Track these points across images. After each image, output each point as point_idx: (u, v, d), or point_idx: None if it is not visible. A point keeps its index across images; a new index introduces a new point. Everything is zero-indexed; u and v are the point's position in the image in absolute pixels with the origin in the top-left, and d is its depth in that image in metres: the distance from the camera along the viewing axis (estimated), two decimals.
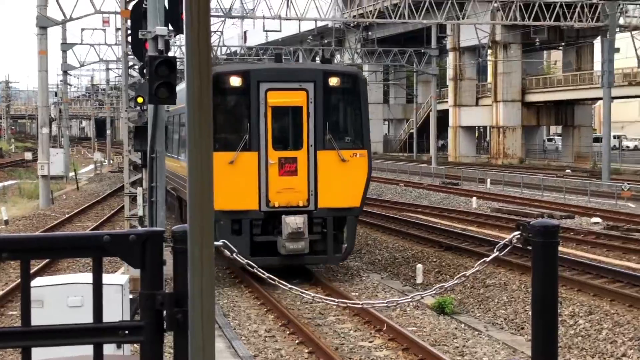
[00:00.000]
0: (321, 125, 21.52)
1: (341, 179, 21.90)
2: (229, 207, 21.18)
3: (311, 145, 21.50)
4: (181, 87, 28.26)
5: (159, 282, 3.37)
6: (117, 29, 46.54)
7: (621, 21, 57.30)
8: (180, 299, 3.26)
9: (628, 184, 46.72)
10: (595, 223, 35.65)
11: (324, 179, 21.80)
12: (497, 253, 4.90)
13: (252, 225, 21.84)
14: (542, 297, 3.75)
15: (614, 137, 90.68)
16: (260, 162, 21.44)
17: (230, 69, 24.65)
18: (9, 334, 3.68)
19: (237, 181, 21.22)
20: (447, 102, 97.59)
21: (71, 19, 44.96)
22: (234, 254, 3.98)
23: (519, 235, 4.09)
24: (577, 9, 56.14)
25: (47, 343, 3.48)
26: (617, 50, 62.08)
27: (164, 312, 3.34)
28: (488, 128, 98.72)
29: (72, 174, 61.80)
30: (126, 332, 3.42)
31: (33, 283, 11.33)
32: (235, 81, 21.33)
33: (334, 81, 22.07)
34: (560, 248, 19.31)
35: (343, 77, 22.48)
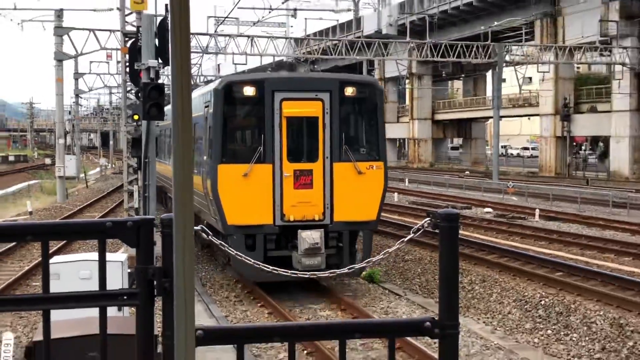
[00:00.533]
0: (337, 137, 16.68)
1: (357, 192, 16.90)
2: (242, 222, 16.58)
3: (327, 157, 16.66)
4: (168, 107, 27.22)
5: (151, 258, 3.35)
6: (118, 62, 45.88)
7: (507, 58, 57.81)
8: (167, 271, 3.24)
9: (512, 182, 47.29)
10: (487, 212, 36.00)
11: (340, 192, 16.83)
12: (412, 235, 4.88)
13: (266, 240, 16.83)
14: (446, 268, 3.76)
15: (502, 146, 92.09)
16: (274, 175, 16.38)
17: (243, 78, 19.43)
18: (33, 300, 3.66)
19: (250, 194, 16.42)
20: None
21: (82, 54, 44.46)
22: (209, 236, 3.96)
23: (429, 221, 4.10)
24: (474, 49, 56.54)
25: (62, 306, 3.45)
26: (504, 80, 62.80)
27: (155, 282, 3.32)
28: (406, 140, 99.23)
29: (82, 175, 61.30)
30: (125, 297, 3.39)
31: (51, 260, 11.21)
32: (248, 91, 16.61)
33: (350, 91, 17.27)
34: (460, 231, 19.60)
35: (360, 87, 17.51)
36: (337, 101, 16.60)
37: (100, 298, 3.36)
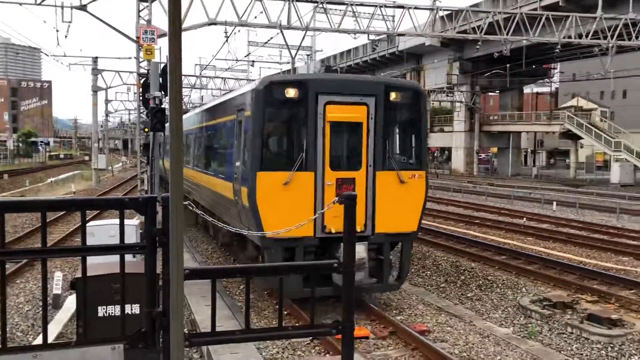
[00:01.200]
0: (381, 144, 10.95)
1: (399, 202, 11.22)
2: (281, 234, 10.10)
3: (370, 166, 10.89)
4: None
5: (154, 222, 3.31)
6: (135, 93, 45.06)
7: None
8: (165, 231, 3.21)
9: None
10: None
11: (382, 202, 11.11)
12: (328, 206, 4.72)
13: (306, 252, 10.68)
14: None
15: None
16: (316, 184, 10.44)
17: (285, 78, 12.57)
18: (74, 250, 3.58)
19: (290, 204, 10.42)
20: None
21: (110, 87, 43.72)
22: (194, 208, 3.91)
23: (337, 200, 4.14)
24: None
25: (94, 254, 3.40)
26: None
27: (157, 238, 3.29)
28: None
29: (110, 167, 59.92)
30: (137, 248, 3.36)
31: (88, 224, 10.89)
32: (291, 92, 10.76)
33: (394, 95, 11.53)
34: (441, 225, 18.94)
35: (405, 91, 11.74)
36: (381, 106, 11.09)
37: (120, 249, 3.33)
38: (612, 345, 9.09)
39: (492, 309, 11.20)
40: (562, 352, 8.78)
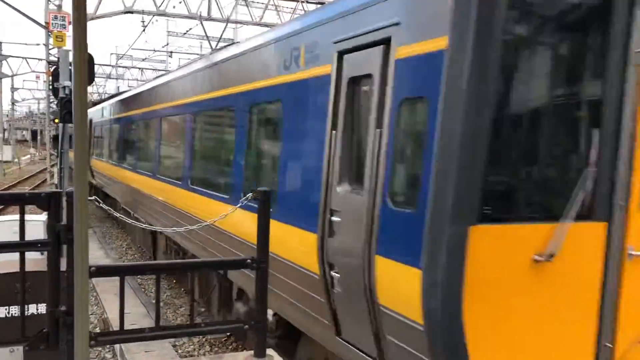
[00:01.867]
0: None
1: None
2: None
3: None
4: (91, 110, 23.76)
5: (59, 218, 3.19)
6: (44, 81, 43.01)
7: None
8: (70, 228, 3.10)
9: None
10: None
11: None
12: (240, 204, 4.71)
13: None
14: (262, 226, 3.83)
15: None
16: (610, 253, 2.69)
17: None
18: None
19: (537, 322, 2.69)
20: None
21: (17, 74, 41.40)
22: (101, 204, 3.78)
23: (251, 196, 4.18)
24: None
25: None
26: None
27: (61, 234, 3.17)
28: None
29: (16, 160, 56.80)
30: (39, 245, 3.23)
31: None
32: None
33: None
34: None
35: None
36: None
37: (20, 246, 3.19)
38: None
39: None
40: None
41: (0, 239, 8.31)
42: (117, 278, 3.36)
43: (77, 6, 2.67)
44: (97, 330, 8.13)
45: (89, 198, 2.91)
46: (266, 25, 25.11)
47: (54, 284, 3.21)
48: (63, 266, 3.32)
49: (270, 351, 3.74)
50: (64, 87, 14.04)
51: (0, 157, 41.17)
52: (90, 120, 18.33)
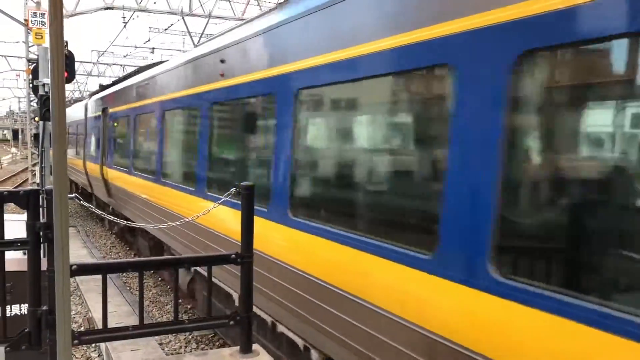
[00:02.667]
0: None
1: None
2: None
3: None
4: (70, 108, 23.46)
5: (38, 216, 3.14)
6: (25, 79, 42.52)
7: None
8: (50, 225, 3.06)
9: None
10: None
11: None
12: (224, 198, 4.35)
13: None
14: (246, 220, 3.80)
15: None
16: None
17: None
18: None
19: None
20: None
21: None
22: (82, 201, 3.74)
23: (235, 190, 4.10)
24: None
25: None
26: None
27: (41, 233, 3.13)
28: None
29: None
30: (18, 244, 3.18)
31: None
32: None
33: None
34: None
35: None
36: None
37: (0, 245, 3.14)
38: None
39: None
40: None
41: None
42: (101, 277, 3.33)
43: (54, 1, 2.63)
44: (82, 329, 8.07)
45: (69, 195, 2.87)
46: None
47: (35, 283, 3.17)
48: (45, 265, 3.28)
49: (256, 346, 3.73)
50: (44, 85, 13.88)
51: None
52: (105, 110, 14.56)
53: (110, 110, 13.78)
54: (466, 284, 2.70)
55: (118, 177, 12.19)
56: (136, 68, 15.99)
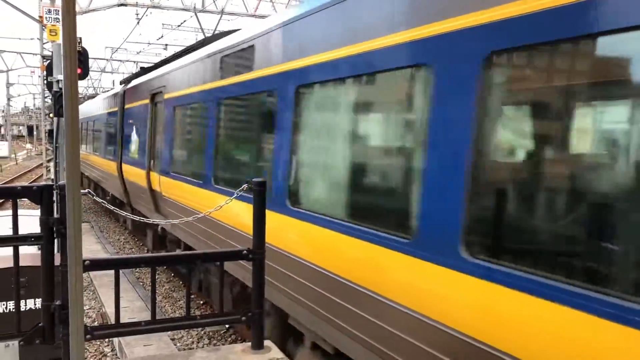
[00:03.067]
0: None
1: None
2: None
3: None
4: (81, 106, 23.17)
5: (52, 212, 3.16)
6: (39, 76, 42.94)
7: None
8: (63, 220, 3.07)
9: None
10: None
11: None
12: (236, 194, 4.36)
13: None
14: (258, 217, 3.79)
15: None
16: None
17: None
18: None
19: None
20: None
21: (11, 70, 41.12)
22: (95, 197, 3.74)
23: (246, 186, 4.08)
24: None
25: None
26: None
27: (54, 228, 3.14)
28: None
29: (13, 155, 56.64)
30: (32, 239, 3.19)
31: None
32: None
33: None
34: None
35: None
36: None
37: (14, 240, 3.16)
38: None
39: None
40: None
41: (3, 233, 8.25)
42: (114, 272, 3.34)
43: None
44: (96, 324, 8.13)
45: (82, 191, 2.88)
46: (261, 17, 25.00)
47: (48, 278, 3.18)
48: (59, 260, 3.30)
49: (268, 342, 3.73)
50: (58, 81, 13.97)
51: None
52: (155, 95, 10.72)
53: (167, 96, 9.63)
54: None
55: (179, 190, 8.61)
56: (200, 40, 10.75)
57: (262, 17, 24.73)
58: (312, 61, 4.39)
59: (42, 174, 30.95)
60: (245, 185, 3.93)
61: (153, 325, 3.40)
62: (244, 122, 6.21)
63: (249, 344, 3.70)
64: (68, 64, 2.61)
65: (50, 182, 16.13)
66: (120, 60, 50.23)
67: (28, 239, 3.18)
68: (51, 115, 16.61)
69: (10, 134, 70.67)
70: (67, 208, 2.68)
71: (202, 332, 8.33)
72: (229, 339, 8.17)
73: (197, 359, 3.51)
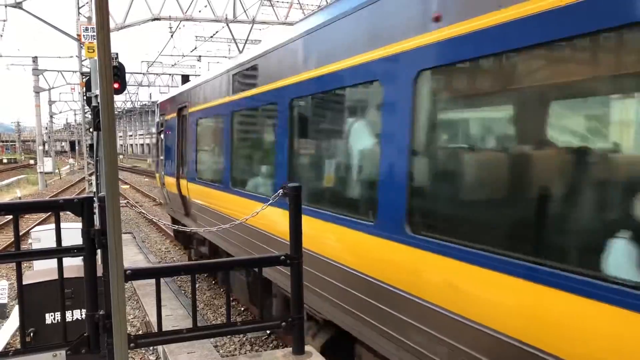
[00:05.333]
0: None
1: None
2: None
3: None
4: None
5: (92, 223, 3.21)
6: (79, 92, 44.10)
7: None
8: (103, 232, 3.12)
9: None
10: None
11: None
12: (271, 200, 4.71)
13: None
14: (294, 222, 3.79)
15: None
16: None
17: None
18: (9, 255, 3.42)
19: None
20: None
21: (53, 88, 42.51)
22: (133, 207, 3.79)
23: (282, 191, 4.11)
24: None
25: (29, 259, 3.29)
26: None
27: (95, 239, 3.19)
28: None
29: (57, 170, 58.29)
30: (75, 251, 3.26)
31: (35, 229, 10.58)
32: None
33: None
34: None
35: None
36: None
37: (57, 252, 3.22)
38: None
39: None
40: None
41: (45, 245, 8.40)
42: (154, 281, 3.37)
43: (100, 9, 2.67)
44: (140, 333, 8.25)
45: (121, 202, 2.92)
46: (292, 24, 25.14)
47: (92, 288, 3.23)
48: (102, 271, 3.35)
49: (308, 347, 3.71)
50: (96, 96, 14.31)
51: (42, 169, 42.34)
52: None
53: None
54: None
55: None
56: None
57: (291, 24, 24.81)
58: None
59: (85, 188, 31.75)
60: (280, 191, 3.94)
61: (194, 333, 3.42)
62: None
63: (290, 349, 3.69)
64: (103, 76, 2.65)
65: (91, 195, 16.28)
66: (156, 74, 51.23)
67: (71, 251, 3.24)
68: (91, 129, 16.99)
69: (54, 150, 72.87)
70: (107, 218, 2.72)
71: (244, 339, 8.37)
72: (271, 345, 8.19)
73: None
